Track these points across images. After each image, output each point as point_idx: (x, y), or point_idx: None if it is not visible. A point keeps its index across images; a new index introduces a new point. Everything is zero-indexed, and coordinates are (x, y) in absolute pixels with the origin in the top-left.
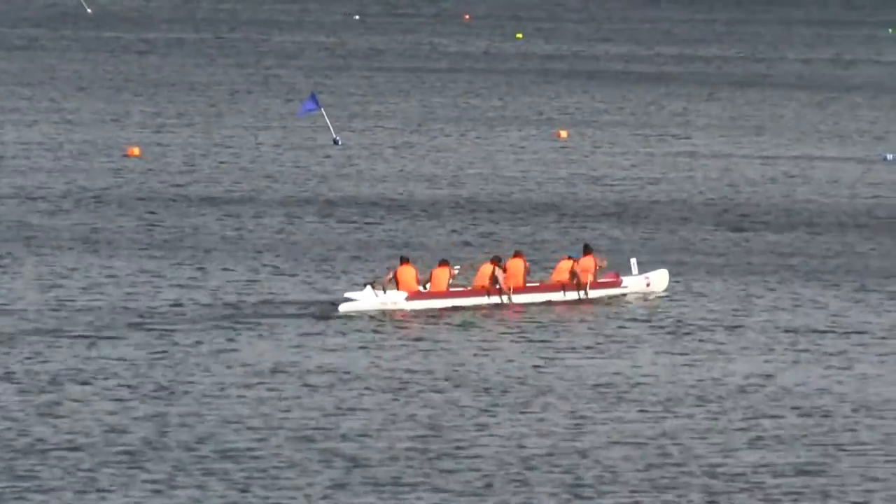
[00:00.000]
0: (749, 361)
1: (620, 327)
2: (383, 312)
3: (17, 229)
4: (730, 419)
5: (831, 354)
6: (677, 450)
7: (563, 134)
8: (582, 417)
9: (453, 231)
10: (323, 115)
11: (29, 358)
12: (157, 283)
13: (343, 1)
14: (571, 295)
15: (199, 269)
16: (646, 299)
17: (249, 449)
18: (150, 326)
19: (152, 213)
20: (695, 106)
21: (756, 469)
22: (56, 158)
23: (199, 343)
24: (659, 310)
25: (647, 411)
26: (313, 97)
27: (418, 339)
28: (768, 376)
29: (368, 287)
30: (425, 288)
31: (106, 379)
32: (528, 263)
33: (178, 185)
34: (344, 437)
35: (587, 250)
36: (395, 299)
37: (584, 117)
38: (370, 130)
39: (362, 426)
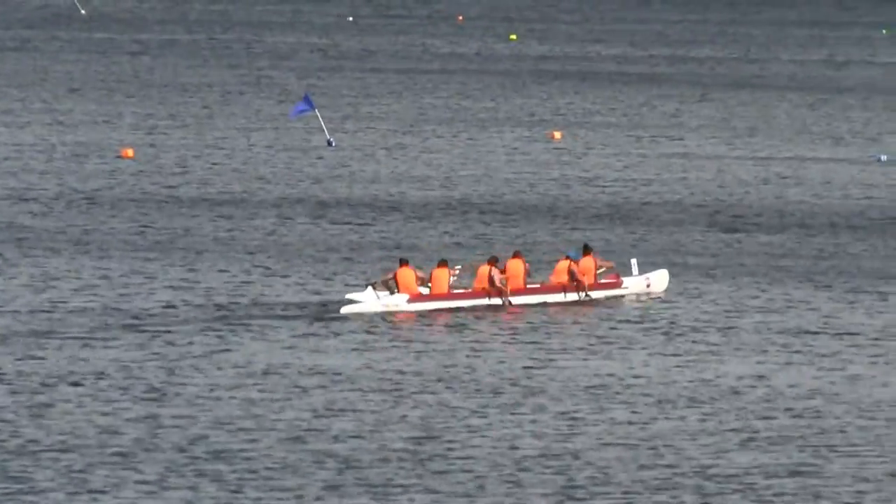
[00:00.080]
0: (742, 362)
1: (613, 328)
2: (383, 314)
3: (10, 230)
4: (722, 420)
5: (824, 355)
6: (671, 451)
7: (557, 135)
8: (575, 419)
9: (445, 232)
10: (317, 116)
11: (21, 359)
12: (150, 285)
13: (336, 2)
14: (572, 296)
15: (192, 270)
16: (640, 300)
17: (242, 450)
18: (143, 328)
19: (145, 214)
20: (688, 107)
21: (749, 470)
22: (49, 160)
23: (191, 344)
24: (652, 311)
25: (640, 412)
26: (307, 98)
27: (411, 341)
28: (761, 377)
29: (370, 288)
30: (428, 286)
31: (98, 380)
32: (527, 264)
33: (171, 187)
34: (337, 439)
35: (587, 251)
36: (396, 301)
37: (577, 118)
38: (363, 131)
39: (355, 427)
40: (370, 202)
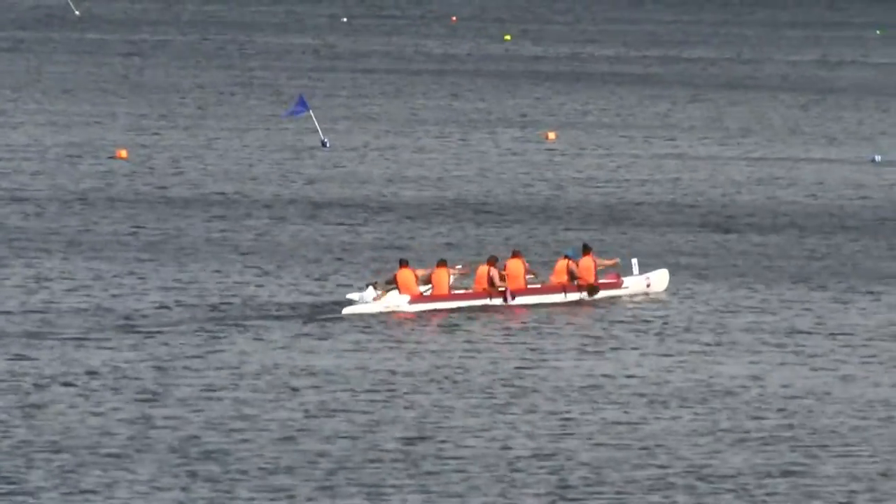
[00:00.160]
0: (735, 363)
1: (606, 329)
2: (384, 315)
3: (3, 231)
4: (715, 420)
5: (817, 356)
6: (664, 451)
7: (552, 135)
8: (568, 419)
9: (439, 233)
10: (311, 116)
11: (13, 359)
12: (143, 285)
13: (329, 3)
14: (573, 296)
15: (186, 270)
16: (635, 300)
17: (234, 451)
18: (136, 328)
19: (140, 214)
20: (681, 107)
21: (742, 470)
22: (43, 160)
23: (184, 345)
24: (645, 312)
25: (634, 412)
26: (301, 100)
27: (404, 342)
28: (754, 377)
29: (370, 288)
30: (429, 284)
31: (91, 380)
32: (527, 263)
33: (165, 187)
34: (329, 439)
35: (586, 250)
36: (397, 302)
37: (570, 119)
38: (357, 132)
39: (347, 428)
40: (363, 203)
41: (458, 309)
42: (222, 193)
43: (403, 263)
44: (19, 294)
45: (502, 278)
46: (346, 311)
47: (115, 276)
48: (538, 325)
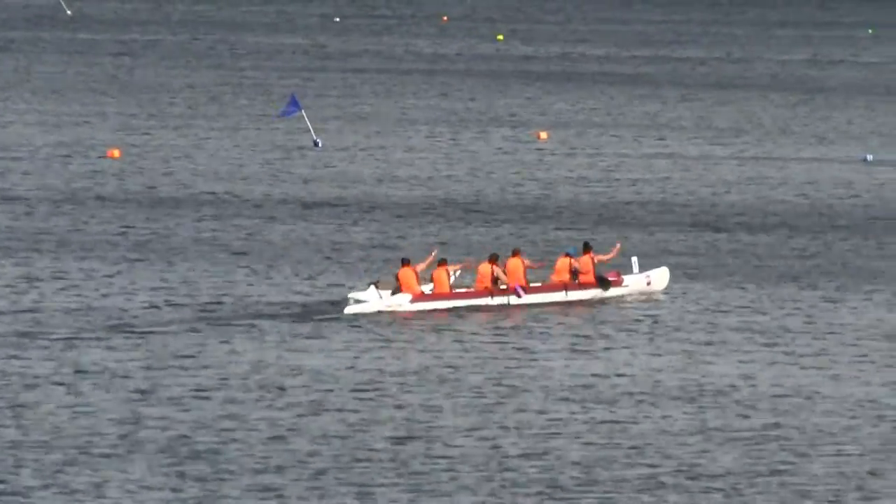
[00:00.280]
0: (726, 362)
1: (598, 328)
2: (386, 314)
3: None
4: (706, 419)
5: (808, 355)
6: (655, 450)
7: (543, 135)
8: (559, 419)
9: (430, 233)
10: (303, 116)
11: (3, 359)
12: (133, 285)
13: (320, 3)
14: (574, 294)
15: (177, 270)
16: (628, 299)
17: (225, 450)
18: (127, 328)
19: (130, 214)
20: (671, 107)
21: (732, 469)
22: (33, 160)
23: (175, 344)
24: (637, 311)
25: (625, 412)
26: (294, 100)
27: (396, 341)
28: (745, 376)
29: (372, 287)
30: (430, 282)
31: (82, 380)
32: (526, 262)
33: (156, 187)
34: (320, 439)
35: (587, 248)
36: (399, 301)
37: (561, 118)
38: (348, 132)
39: (338, 427)
40: (354, 202)
41: (460, 308)
42: (213, 193)
43: (405, 262)
44: (9, 294)
45: (502, 279)
46: (348, 309)
47: (105, 276)
48: (529, 324)
